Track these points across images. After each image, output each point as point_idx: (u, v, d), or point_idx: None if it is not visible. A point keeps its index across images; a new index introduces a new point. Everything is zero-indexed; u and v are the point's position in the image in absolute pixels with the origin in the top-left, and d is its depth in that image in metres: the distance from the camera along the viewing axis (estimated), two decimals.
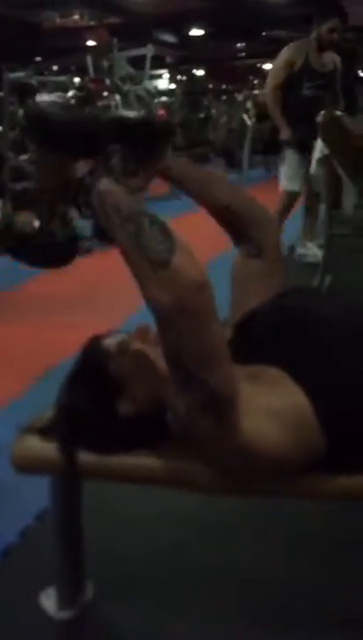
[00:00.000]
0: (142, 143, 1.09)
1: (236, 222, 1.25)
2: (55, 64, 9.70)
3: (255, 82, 12.83)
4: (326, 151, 3.50)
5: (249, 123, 9.88)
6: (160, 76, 14.37)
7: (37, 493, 1.35)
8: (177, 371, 0.94)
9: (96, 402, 1.09)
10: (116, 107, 7.64)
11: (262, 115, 8.92)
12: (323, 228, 3.72)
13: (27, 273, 4.45)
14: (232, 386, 0.94)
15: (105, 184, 0.96)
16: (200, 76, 16.40)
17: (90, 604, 1.35)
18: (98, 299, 3.88)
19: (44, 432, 1.15)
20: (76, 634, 1.34)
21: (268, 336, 1.10)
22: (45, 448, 1.13)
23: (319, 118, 3.42)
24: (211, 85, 14.10)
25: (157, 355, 1.04)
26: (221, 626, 1.33)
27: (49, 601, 1.34)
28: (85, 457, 1.10)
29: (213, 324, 0.91)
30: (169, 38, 13.19)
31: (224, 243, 1.34)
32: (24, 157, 5.62)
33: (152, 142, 1.12)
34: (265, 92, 4.50)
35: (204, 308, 0.90)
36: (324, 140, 3.43)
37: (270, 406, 0.98)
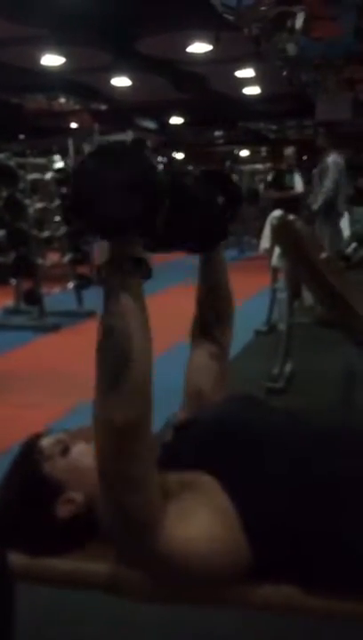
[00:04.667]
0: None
1: (213, 312, 1.31)
2: (38, 143, 10.07)
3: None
4: None
5: None
6: None
7: None
8: (100, 479, 0.96)
9: (28, 505, 1.09)
10: None
11: None
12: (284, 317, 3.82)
13: None
14: (150, 512, 0.95)
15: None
16: (179, 160, 17.09)
17: None
18: (58, 379, 3.84)
19: None
20: None
21: (204, 445, 1.12)
22: None
23: (273, 221, 3.49)
24: (190, 168, 14.64)
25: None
26: None
27: None
28: (17, 559, 1.09)
29: (137, 460, 0.92)
30: (149, 124, 13.80)
31: None
32: (0, 233, 5.72)
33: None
34: None
35: (128, 447, 0.91)
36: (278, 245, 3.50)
37: (198, 515, 1.00)
